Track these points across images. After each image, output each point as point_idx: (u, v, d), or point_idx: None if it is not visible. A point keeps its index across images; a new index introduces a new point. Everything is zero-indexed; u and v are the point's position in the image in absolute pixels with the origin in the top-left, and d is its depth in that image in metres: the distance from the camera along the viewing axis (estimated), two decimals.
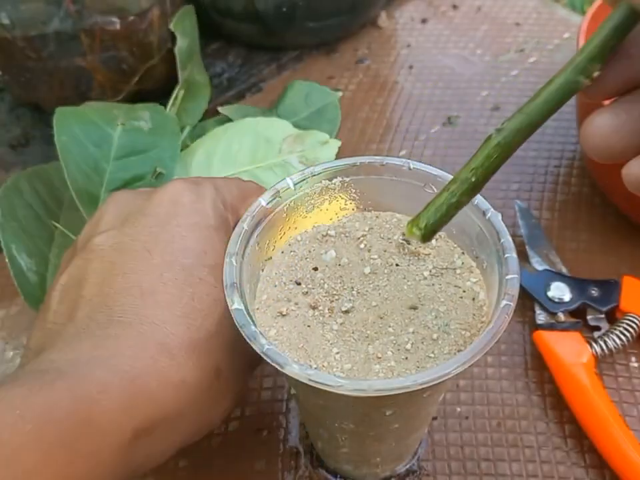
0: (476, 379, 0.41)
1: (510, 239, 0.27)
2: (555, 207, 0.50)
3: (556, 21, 0.65)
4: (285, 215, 0.30)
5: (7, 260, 0.41)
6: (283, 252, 0.30)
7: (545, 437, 0.39)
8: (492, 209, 0.28)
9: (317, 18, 0.59)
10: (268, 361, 0.24)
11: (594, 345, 0.40)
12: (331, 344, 0.27)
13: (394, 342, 0.27)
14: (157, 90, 0.55)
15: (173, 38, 0.53)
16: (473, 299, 0.28)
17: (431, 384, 0.23)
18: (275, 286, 0.29)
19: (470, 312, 0.28)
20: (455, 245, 0.30)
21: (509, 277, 0.26)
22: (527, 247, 0.45)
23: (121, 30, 0.50)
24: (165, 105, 0.49)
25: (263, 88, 0.60)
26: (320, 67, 0.61)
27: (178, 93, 0.52)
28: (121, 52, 0.51)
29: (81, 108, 0.46)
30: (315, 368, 0.26)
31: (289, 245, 0.31)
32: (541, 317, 0.42)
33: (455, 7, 0.67)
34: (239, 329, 0.25)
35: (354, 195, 0.31)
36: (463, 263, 0.30)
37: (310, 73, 0.60)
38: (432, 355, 0.27)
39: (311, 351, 0.27)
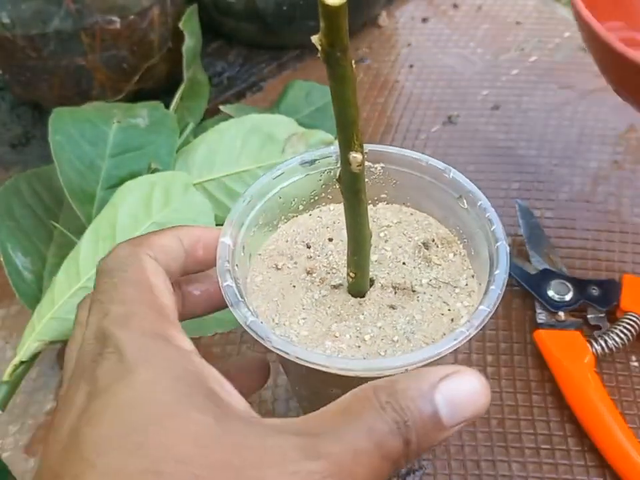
0: None
1: (505, 275, 0.26)
2: (556, 206, 0.50)
3: (557, 20, 0.65)
4: (321, 181, 0.31)
5: (1, 259, 0.41)
6: (310, 215, 0.32)
7: (546, 436, 0.39)
8: (504, 241, 0.28)
9: (317, 17, 0.59)
10: (252, 334, 0.25)
11: (594, 344, 0.40)
12: (303, 309, 0.28)
13: (357, 329, 0.27)
14: (158, 89, 0.55)
15: (174, 37, 0.53)
16: (452, 320, 0.28)
17: (361, 374, 0.24)
18: (287, 241, 0.31)
19: (441, 330, 0.28)
20: (470, 267, 0.30)
21: (481, 307, 0.26)
22: (527, 246, 0.45)
23: (122, 29, 0.50)
24: (166, 103, 0.49)
25: (264, 87, 0.60)
26: (320, 66, 0.60)
27: (183, 91, 0.52)
28: (121, 51, 0.51)
29: (79, 108, 0.46)
30: (276, 324, 0.27)
31: (320, 210, 0.32)
32: (542, 316, 0.42)
33: (455, 6, 0.67)
34: (228, 305, 0.26)
35: (393, 186, 0.32)
36: (466, 285, 0.29)
37: (310, 72, 0.60)
38: (382, 353, 0.27)
39: (281, 308, 0.28)
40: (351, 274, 0.28)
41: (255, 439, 0.20)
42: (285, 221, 0.31)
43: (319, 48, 0.20)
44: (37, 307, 0.40)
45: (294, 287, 0.29)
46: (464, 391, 0.21)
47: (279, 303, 0.28)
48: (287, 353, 0.24)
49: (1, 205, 0.43)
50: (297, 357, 0.24)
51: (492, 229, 0.28)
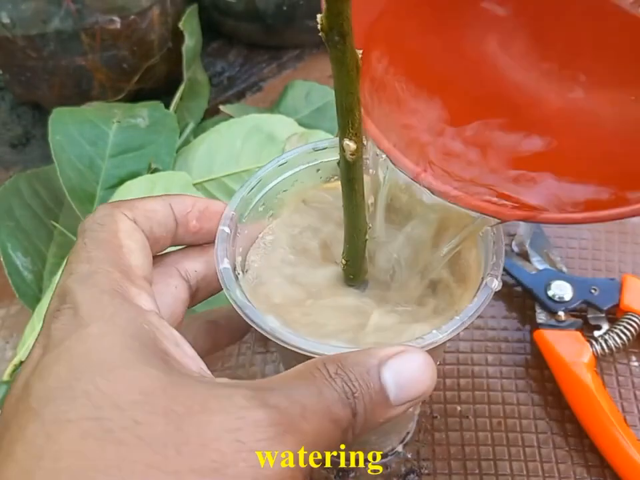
0: (476, 377, 0.41)
1: (474, 311, 0.26)
2: None
3: None
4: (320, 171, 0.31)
5: (1, 259, 0.41)
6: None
7: (546, 436, 0.39)
8: (494, 279, 0.27)
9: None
10: (220, 281, 0.25)
11: (594, 344, 0.40)
12: (280, 280, 0.28)
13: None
14: (158, 89, 0.55)
15: (174, 37, 0.54)
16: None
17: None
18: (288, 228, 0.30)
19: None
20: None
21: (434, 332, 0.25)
22: (527, 246, 0.45)
23: (122, 29, 0.50)
24: (166, 103, 0.49)
25: (263, 87, 0.60)
26: (320, 66, 0.61)
27: (183, 91, 0.52)
28: (121, 51, 0.51)
29: (79, 108, 0.46)
30: (257, 280, 0.28)
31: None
32: (542, 316, 0.42)
33: None
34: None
35: None
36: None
37: (310, 72, 0.60)
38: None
39: (262, 273, 0.28)
40: (343, 261, 0.28)
41: (203, 389, 0.20)
42: (304, 201, 0.31)
43: (318, 27, 0.20)
44: (36, 307, 0.40)
45: (281, 261, 0.29)
46: (410, 369, 0.22)
47: (261, 267, 0.28)
48: (285, 342, 0.24)
49: (1, 205, 0.43)
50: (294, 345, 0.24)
51: (492, 262, 0.27)
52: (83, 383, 0.20)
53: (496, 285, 0.26)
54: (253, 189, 0.29)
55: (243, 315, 0.25)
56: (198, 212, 0.28)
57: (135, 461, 0.19)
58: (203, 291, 0.29)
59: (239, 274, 0.27)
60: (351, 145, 0.23)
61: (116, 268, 0.24)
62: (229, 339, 0.32)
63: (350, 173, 0.24)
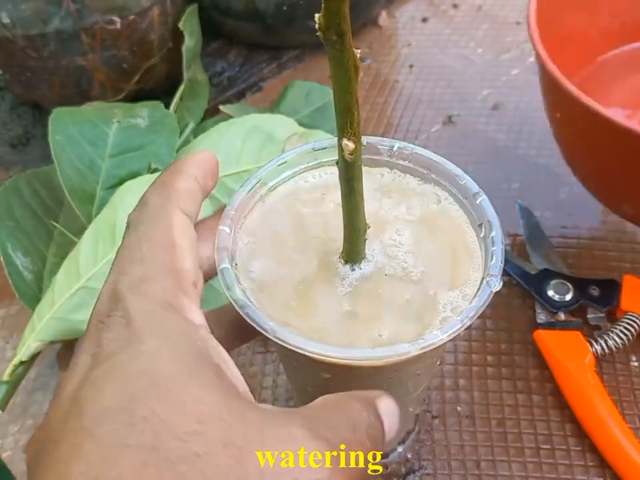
0: (476, 377, 0.41)
1: (475, 311, 0.26)
2: (556, 206, 0.50)
3: None
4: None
5: (1, 259, 0.41)
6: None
7: (546, 436, 0.39)
8: (494, 278, 0.27)
9: None
10: (220, 279, 0.25)
11: (594, 344, 0.40)
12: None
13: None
14: (158, 89, 0.55)
15: (174, 37, 0.54)
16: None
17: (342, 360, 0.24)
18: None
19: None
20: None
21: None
22: (527, 246, 0.45)
23: (122, 29, 0.50)
24: (166, 103, 0.49)
25: (263, 87, 0.60)
26: (320, 66, 0.61)
27: (183, 91, 0.52)
28: (121, 51, 0.51)
29: (79, 108, 0.46)
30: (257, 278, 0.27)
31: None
32: (542, 316, 0.42)
33: (455, 5, 0.67)
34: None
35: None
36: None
37: (310, 72, 0.60)
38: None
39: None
40: (343, 260, 0.28)
41: (258, 418, 0.20)
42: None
43: (315, 27, 0.20)
44: (36, 307, 0.40)
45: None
46: (391, 406, 0.24)
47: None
48: (287, 343, 0.24)
49: (1, 205, 0.43)
50: (298, 347, 0.24)
51: (491, 263, 0.27)
52: (140, 407, 0.19)
53: (496, 285, 0.26)
54: (252, 188, 0.29)
55: (243, 315, 0.25)
56: (211, 170, 0.27)
57: None
58: (208, 275, 0.28)
59: (237, 273, 0.27)
60: (349, 144, 0.23)
61: (169, 273, 0.23)
62: (241, 340, 0.31)
63: (349, 172, 0.24)
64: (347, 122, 0.23)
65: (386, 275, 0.28)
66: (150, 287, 0.22)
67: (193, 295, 0.23)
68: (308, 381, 0.30)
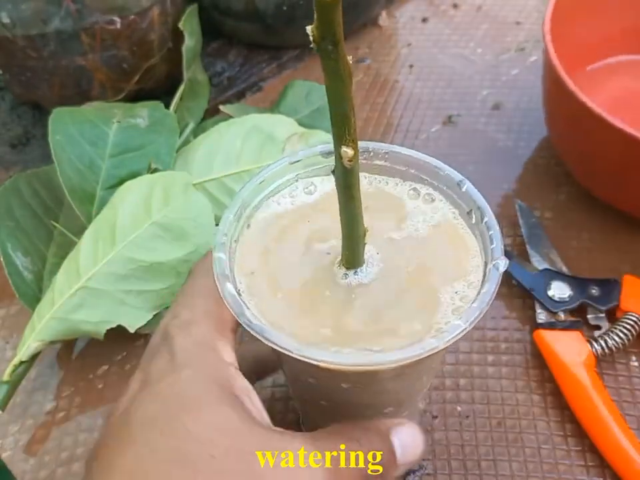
0: (476, 377, 0.41)
1: (490, 296, 0.26)
2: (556, 206, 0.50)
3: None
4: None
5: (1, 259, 0.41)
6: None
7: (546, 436, 0.39)
8: (499, 261, 0.27)
9: None
10: (227, 305, 0.25)
11: (594, 344, 0.40)
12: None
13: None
14: (158, 89, 0.55)
15: (174, 37, 0.54)
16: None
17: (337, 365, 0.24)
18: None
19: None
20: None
21: (473, 304, 0.26)
22: (527, 246, 0.45)
23: (122, 29, 0.50)
24: (166, 103, 0.49)
25: (263, 87, 0.60)
26: (320, 66, 0.61)
27: (183, 91, 0.52)
28: (121, 51, 0.51)
29: (79, 108, 0.46)
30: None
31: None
32: (542, 316, 0.42)
33: (455, 6, 0.67)
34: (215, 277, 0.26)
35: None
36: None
37: (310, 72, 0.60)
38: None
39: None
40: (344, 268, 0.28)
41: (268, 435, 0.25)
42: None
43: (310, 39, 0.20)
44: (36, 307, 0.40)
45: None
46: (409, 437, 0.27)
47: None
48: (291, 351, 0.24)
49: (1, 205, 0.43)
50: (303, 355, 0.24)
51: (491, 247, 0.27)
52: (172, 419, 0.25)
53: (504, 267, 0.26)
54: (237, 210, 0.29)
55: (262, 339, 0.25)
56: None
57: None
58: None
59: (242, 293, 0.27)
60: (349, 151, 0.23)
61: (212, 319, 0.28)
62: (266, 372, 0.36)
63: (348, 179, 0.24)
64: (345, 129, 0.22)
65: (387, 277, 0.28)
66: (194, 329, 0.27)
67: (229, 338, 0.28)
68: (325, 395, 0.30)
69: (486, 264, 0.27)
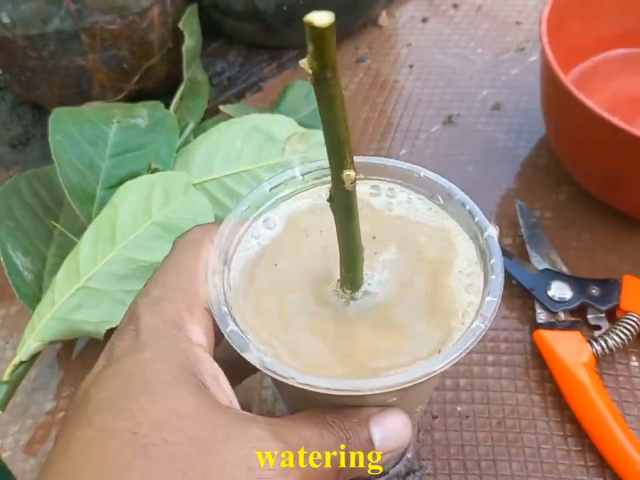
0: (476, 377, 0.41)
1: (500, 260, 0.27)
2: (556, 206, 0.50)
3: None
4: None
5: (1, 259, 0.41)
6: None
7: (546, 436, 0.39)
8: (490, 229, 0.28)
9: None
10: (230, 342, 0.25)
11: (594, 344, 0.40)
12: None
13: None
14: (158, 89, 0.55)
15: (174, 37, 0.54)
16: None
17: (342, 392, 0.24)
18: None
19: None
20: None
21: (487, 298, 0.26)
22: (527, 246, 0.45)
23: (122, 29, 0.50)
24: (166, 103, 0.49)
25: (263, 87, 0.60)
26: None
27: (183, 91, 0.52)
28: (121, 51, 0.51)
29: (79, 108, 0.46)
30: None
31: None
32: (542, 316, 0.42)
33: (455, 6, 0.67)
34: (210, 306, 0.26)
35: None
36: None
37: None
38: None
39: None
40: (347, 290, 0.27)
41: (226, 419, 0.24)
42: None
43: (310, 72, 0.19)
44: (36, 307, 0.40)
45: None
46: (392, 426, 0.26)
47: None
48: (315, 386, 0.24)
49: (1, 205, 0.43)
50: (327, 388, 0.24)
51: (475, 221, 0.28)
52: (130, 401, 0.23)
53: (494, 231, 0.27)
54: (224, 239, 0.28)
55: (264, 370, 0.24)
56: None
57: (161, 475, 0.22)
58: None
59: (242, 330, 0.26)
60: (351, 174, 0.22)
61: (184, 297, 0.26)
62: (240, 377, 0.34)
63: (350, 201, 0.24)
64: (345, 154, 0.22)
65: (387, 290, 0.28)
66: (163, 307, 0.26)
67: (201, 317, 0.26)
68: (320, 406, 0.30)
69: (478, 246, 0.27)
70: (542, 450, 0.38)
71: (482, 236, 0.28)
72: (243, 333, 0.25)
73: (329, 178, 0.27)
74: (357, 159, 0.29)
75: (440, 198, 0.30)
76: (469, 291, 0.28)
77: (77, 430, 0.23)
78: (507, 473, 0.38)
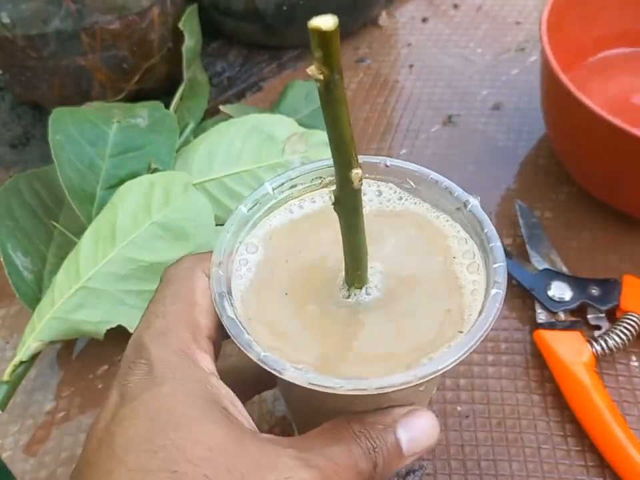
0: (476, 377, 0.41)
1: (493, 228, 0.27)
2: (556, 206, 0.50)
3: None
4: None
5: (1, 259, 0.41)
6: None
7: (546, 436, 0.39)
8: (471, 199, 0.28)
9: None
10: (265, 367, 0.25)
11: (594, 344, 0.40)
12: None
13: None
14: (158, 89, 0.55)
15: (174, 37, 0.54)
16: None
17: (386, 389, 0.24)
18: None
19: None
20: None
21: (495, 265, 0.26)
22: (527, 246, 0.45)
23: (122, 29, 0.50)
24: (166, 103, 0.49)
25: (263, 87, 0.60)
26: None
27: (183, 91, 0.52)
28: (121, 51, 0.51)
29: (79, 108, 0.46)
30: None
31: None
32: (542, 316, 0.42)
33: (455, 6, 0.67)
34: (233, 338, 0.25)
35: None
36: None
37: None
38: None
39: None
40: (356, 290, 0.27)
41: (257, 448, 0.24)
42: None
43: (321, 78, 0.19)
44: (36, 307, 0.40)
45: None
46: (420, 427, 0.26)
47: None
48: (364, 390, 0.24)
49: (1, 205, 0.43)
50: (310, 383, 0.24)
51: (455, 195, 0.28)
52: (160, 438, 0.23)
53: (475, 201, 0.28)
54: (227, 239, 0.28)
55: (264, 366, 0.24)
56: None
57: None
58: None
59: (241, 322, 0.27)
60: (359, 172, 0.22)
61: (187, 327, 0.27)
62: (254, 391, 0.35)
63: (357, 199, 0.24)
64: (351, 153, 0.22)
65: (392, 288, 0.28)
66: (170, 338, 0.26)
67: (206, 346, 0.27)
68: (332, 415, 0.29)
69: (482, 241, 0.27)
70: (542, 450, 0.38)
71: (466, 208, 0.28)
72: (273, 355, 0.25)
73: (299, 188, 0.29)
74: (318, 163, 0.30)
75: (412, 183, 0.30)
76: (471, 270, 0.28)
77: (107, 470, 0.23)
78: (507, 472, 0.38)
